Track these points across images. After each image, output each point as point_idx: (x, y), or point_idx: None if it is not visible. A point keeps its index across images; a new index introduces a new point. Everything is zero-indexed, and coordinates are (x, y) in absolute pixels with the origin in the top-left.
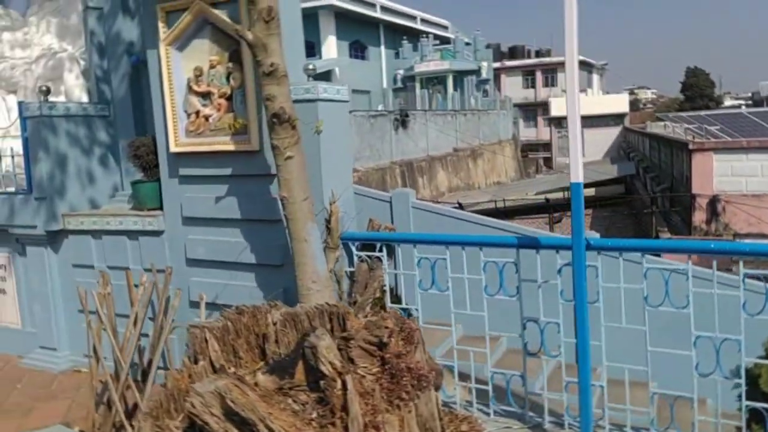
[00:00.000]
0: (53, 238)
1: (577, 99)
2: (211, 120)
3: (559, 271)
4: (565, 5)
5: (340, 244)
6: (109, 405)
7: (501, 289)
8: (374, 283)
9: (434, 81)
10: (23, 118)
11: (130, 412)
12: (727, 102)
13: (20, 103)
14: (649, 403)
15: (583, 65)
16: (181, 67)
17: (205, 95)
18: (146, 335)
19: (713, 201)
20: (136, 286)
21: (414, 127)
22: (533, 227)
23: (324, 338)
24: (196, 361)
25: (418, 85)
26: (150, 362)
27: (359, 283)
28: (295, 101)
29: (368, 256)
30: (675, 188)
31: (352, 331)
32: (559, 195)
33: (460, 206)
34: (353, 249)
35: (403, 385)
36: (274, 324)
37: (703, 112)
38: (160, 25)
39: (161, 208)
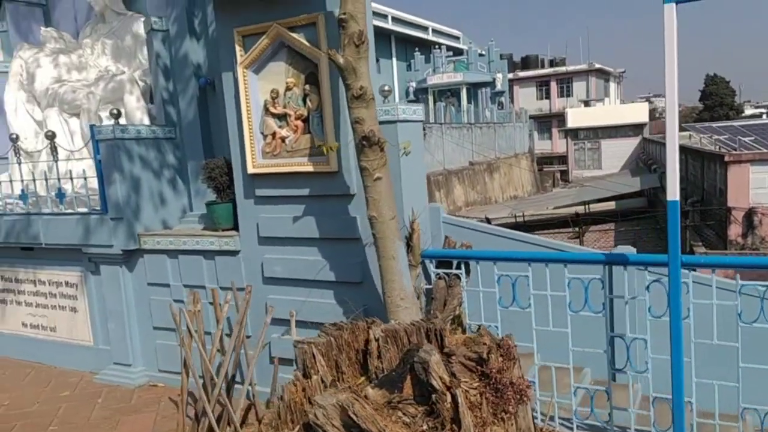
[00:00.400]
0: (128, 257)
1: (676, 117)
2: (287, 141)
3: (648, 287)
4: (665, 28)
5: (420, 261)
6: (197, 418)
7: (586, 305)
8: (453, 301)
9: (448, 93)
10: (96, 141)
11: (219, 424)
12: (748, 111)
13: (92, 127)
14: (739, 418)
15: (600, 73)
16: (258, 89)
17: (282, 117)
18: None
19: (750, 214)
20: (212, 303)
21: (430, 140)
22: (557, 241)
23: (434, 354)
24: (305, 375)
25: (431, 98)
26: (233, 377)
27: (437, 300)
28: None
29: (446, 274)
30: (706, 201)
31: (453, 347)
32: (581, 208)
33: (488, 221)
34: (430, 266)
35: (507, 399)
36: (376, 340)
37: (736, 123)
38: (237, 48)
39: (235, 228)
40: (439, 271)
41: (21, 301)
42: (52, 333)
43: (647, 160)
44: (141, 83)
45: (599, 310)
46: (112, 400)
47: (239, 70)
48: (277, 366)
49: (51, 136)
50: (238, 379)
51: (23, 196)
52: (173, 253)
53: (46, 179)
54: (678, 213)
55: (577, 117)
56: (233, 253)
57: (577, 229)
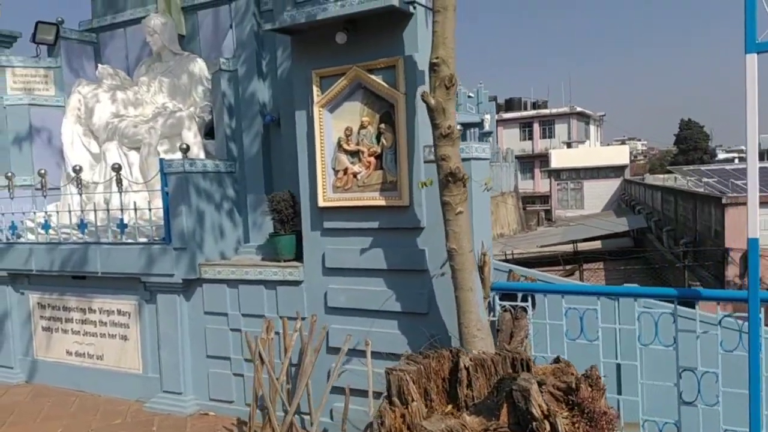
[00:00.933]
0: (187, 287)
1: (756, 157)
2: (359, 176)
3: (719, 322)
4: (747, 76)
5: (490, 293)
6: None
7: (656, 338)
8: (520, 333)
9: None
10: (164, 174)
11: None
12: (721, 155)
13: (161, 160)
14: None
15: (581, 116)
16: (332, 127)
17: (354, 153)
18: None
19: (746, 255)
20: (277, 333)
21: None
22: None
23: (533, 382)
24: (399, 403)
25: None
26: (298, 404)
27: (503, 332)
28: (427, 162)
29: (512, 306)
30: (700, 242)
31: (542, 376)
32: (569, 247)
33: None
34: (496, 299)
35: (600, 428)
36: (466, 368)
37: (728, 167)
38: (315, 88)
39: (297, 258)
40: (505, 303)
41: (68, 329)
42: (99, 361)
43: (630, 201)
44: (198, 120)
45: (669, 343)
46: (167, 428)
47: (315, 109)
48: (348, 396)
49: (117, 169)
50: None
51: (82, 226)
52: (233, 283)
53: (108, 209)
54: (758, 250)
55: (561, 158)
56: (296, 283)
57: (568, 267)
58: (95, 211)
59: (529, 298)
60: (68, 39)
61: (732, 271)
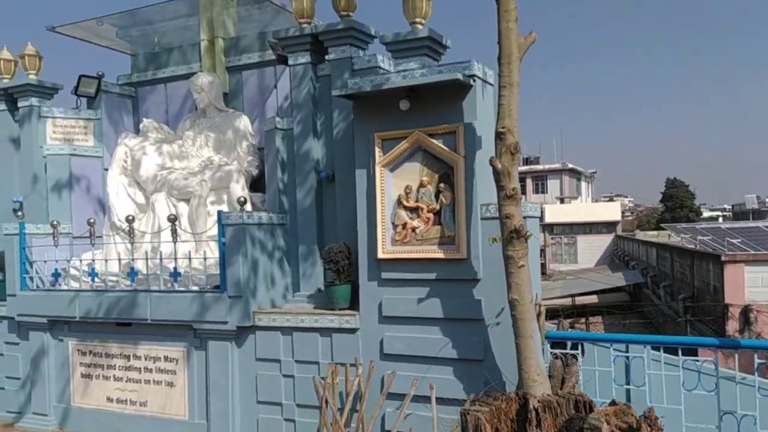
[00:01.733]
0: (240, 333)
1: None
2: (418, 231)
3: (757, 368)
4: None
5: (545, 341)
6: None
7: (699, 384)
8: (572, 378)
9: None
10: (222, 225)
11: None
12: (706, 213)
13: (220, 212)
14: None
15: (573, 172)
16: (392, 185)
17: (413, 209)
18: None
19: (746, 311)
20: (323, 378)
21: None
22: None
23: (602, 421)
24: None
25: None
26: None
27: (555, 378)
28: (483, 219)
29: (562, 354)
30: (698, 298)
31: (605, 417)
32: (567, 301)
33: None
34: (547, 346)
35: None
36: (535, 409)
37: (723, 225)
38: (377, 150)
39: (351, 307)
40: (556, 351)
41: (109, 376)
42: (142, 407)
43: (623, 256)
44: (245, 173)
45: (711, 389)
46: None
47: (377, 168)
48: None
49: (173, 220)
50: None
51: (132, 274)
52: (288, 330)
53: (161, 258)
54: None
55: (554, 213)
56: (352, 330)
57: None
58: (147, 259)
59: (579, 346)
60: (108, 92)
61: (732, 326)
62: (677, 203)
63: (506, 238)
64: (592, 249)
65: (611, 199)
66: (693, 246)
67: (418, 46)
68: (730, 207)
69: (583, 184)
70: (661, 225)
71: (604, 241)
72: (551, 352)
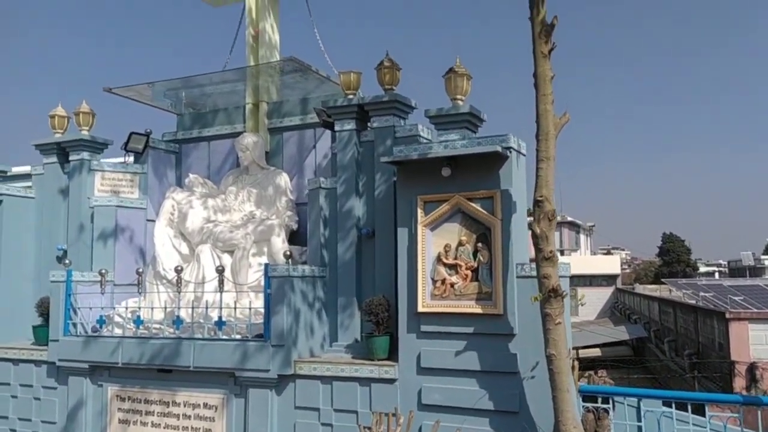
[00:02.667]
0: (280, 382)
1: None
2: (456, 287)
3: None
4: None
5: (578, 395)
6: None
7: None
8: (603, 431)
9: None
10: (268, 277)
11: None
12: (702, 268)
13: (266, 265)
14: None
15: (572, 226)
16: (432, 243)
17: (452, 266)
18: None
19: (752, 368)
20: (367, 428)
21: None
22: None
23: None
24: None
25: None
26: None
27: (587, 431)
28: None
29: (594, 408)
30: (704, 354)
31: None
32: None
33: None
34: (579, 400)
35: None
36: None
37: (726, 282)
38: (419, 211)
39: (389, 358)
40: (588, 405)
41: (147, 422)
42: None
43: (624, 310)
44: (286, 227)
45: None
46: None
47: (419, 227)
48: None
49: (221, 271)
50: None
51: (177, 322)
52: (327, 379)
53: (206, 307)
54: None
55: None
56: (390, 381)
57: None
58: (192, 308)
59: (610, 400)
60: (155, 148)
61: (739, 383)
62: (674, 258)
63: (544, 297)
64: (592, 302)
65: (609, 252)
66: (695, 302)
67: (459, 120)
68: (726, 263)
69: (582, 237)
70: (662, 280)
71: (605, 294)
72: (583, 406)
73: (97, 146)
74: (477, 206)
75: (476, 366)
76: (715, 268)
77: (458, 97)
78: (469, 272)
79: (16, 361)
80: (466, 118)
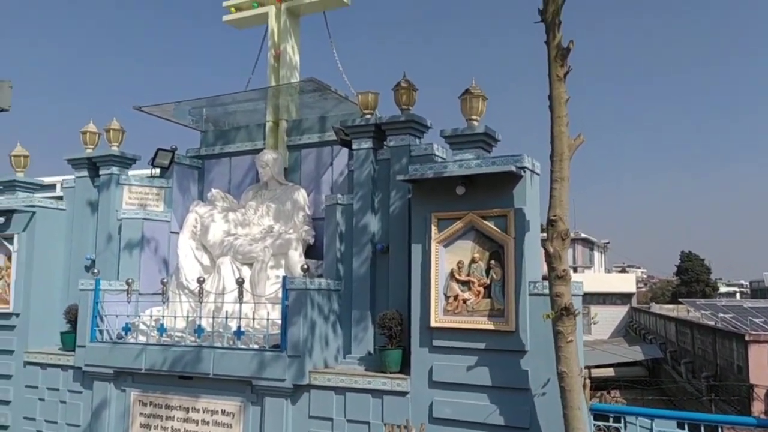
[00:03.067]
0: (295, 391)
1: None
2: (468, 303)
3: None
4: None
5: (589, 413)
6: None
7: None
8: None
9: None
10: (286, 290)
11: None
12: (722, 289)
13: (285, 278)
14: None
15: (586, 242)
16: (445, 260)
17: (465, 283)
18: None
19: None
20: None
21: None
22: None
23: None
24: None
25: None
26: None
27: None
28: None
29: (605, 426)
30: (721, 377)
31: None
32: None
33: None
34: (590, 418)
35: None
36: None
37: (746, 304)
38: (433, 228)
39: (401, 371)
40: (599, 423)
41: (167, 427)
42: None
43: (639, 329)
44: (303, 242)
45: None
46: None
47: (433, 244)
48: None
49: (240, 283)
50: None
51: (198, 330)
52: (341, 390)
53: (226, 317)
54: None
55: None
56: (402, 393)
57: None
58: (212, 317)
59: (622, 420)
60: (180, 164)
61: (757, 407)
62: (693, 277)
63: (557, 315)
64: (606, 320)
65: (624, 270)
66: (714, 323)
67: (474, 140)
68: (748, 283)
69: (596, 254)
70: (679, 300)
71: (619, 312)
72: (594, 424)
73: (126, 161)
74: (490, 224)
75: (487, 381)
76: (736, 289)
77: (473, 117)
78: (481, 289)
79: (44, 366)
80: (480, 138)
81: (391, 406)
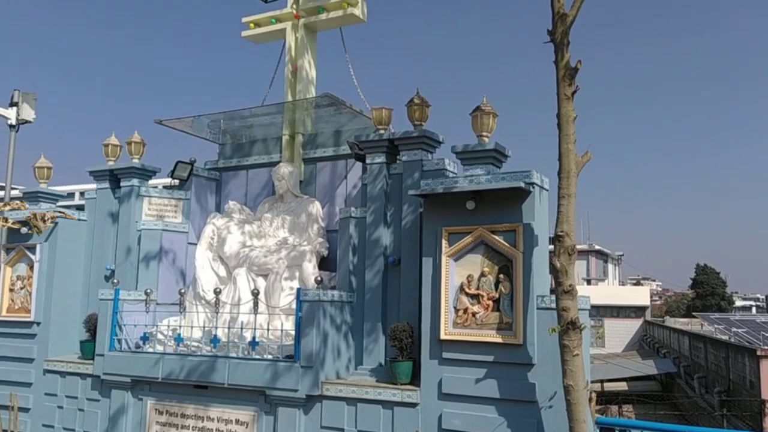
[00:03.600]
0: (308, 401)
1: None
2: (477, 316)
3: None
4: None
5: (595, 426)
6: None
7: None
8: None
9: None
10: (300, 301)
11: None
12: (738, 302)
13: (299, 290)
14: None
15: (600, 254)
16: (455, 273)
17: (474, 296)
18: None
19: None
20: None
21: None
22: None
23: None
24: None
25: None
26: None
27: None
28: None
29: None
30: (734, 392)
31: None
32: (596, 386)
33: None
34: (597, 431)
35: None
36: None
37: (759, 318)
38: (444, 242)
39: (412, 382)
40: None
41: None
42: None
43: (652, 343)
44: (317, 254)
45: None
46: None
47: (443, 257)
48: None
49: (256, 294)
50: None
51: (215, 340)
52: (352, 401)
53: (241, 327)
54: None
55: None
56: (412, 405)
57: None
58: (228, 328)
59: None
60: (198, 176)
61: None
62: (708, 290)
63: (563, 329)
64: (620, 333)
65: (638, 283)
66: (727, 337)
67: (484, 156)
68: (764, 297)
69: (610, 267)
70: (693, 313)
71: (633, 325)
72: None
73: (147, 173)
74: (500, 239)
75: (496, 394)
76: (752, 303)
77: (484, 134)
78: (490, 302)
79: (63, 374)
80: (491, 154)
81: (401, 417)
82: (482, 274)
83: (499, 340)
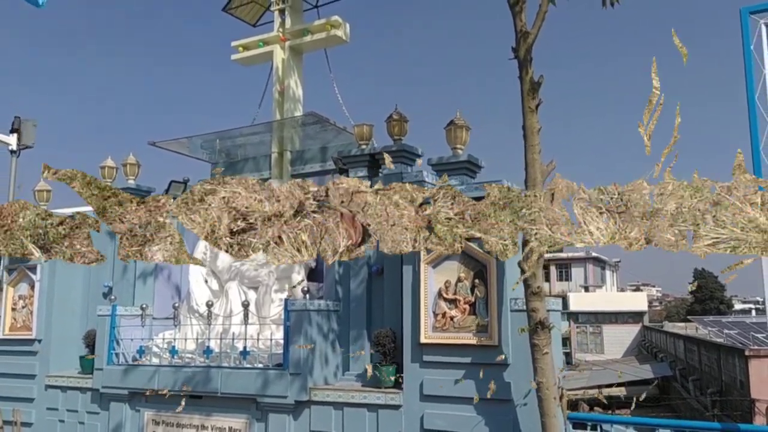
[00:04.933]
0: (297, 407)
1: None
2: (455, 320)
3: None
4: None
5: (566, 421)
6: None
7: None
8: None
9: None
10: (288, 311)
11: None
12: (737, 306)
13: (287, 300)
14: None
15: (597, 261)
16: (434, 279)
17: (452, 301)
18: None
19: None
20: None
21: None
22: None
23: None
24: None
25: None
26: None
27: None
28: (512, 311)
29: None
30: (726, 392)
31: None
32: (593, 391)
33: None
34: (569, 426)
35: None
36: None
37: (748, 320)
38: (422, 250)
39: (395, 386)
40: (577, 431)
41: None
42: None
43: (650, 348)
44: (305, 265)
45: None
46: None
47: (422, 265)
48: None
49: (246, 306)
50: None
51: (207, 351)
52: (339, 405)
53: (233, 338)
54: None
55: (579, 301)
56: (396, 407)
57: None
58: (221, 339)
59: (599, 427)
60: None
61: (759, 421)
62: (707, 294)
63: (532, 329)
64: (619, 339)
65: (638, 289)
66: (720, 340)
67: (459, 167)
68: (763, 299)
69: (608, 273)
70: (688, 317)
71: (631, 331)
72: None
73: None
74: (475, 246)
75: (473, 393)
76: (752, 306)
77: (458, 146)
78: (467, 306)
79: (64, 389)
80: (465, 165)
81: (385, 419)
82: (459, 280)
83: (475, 342)
